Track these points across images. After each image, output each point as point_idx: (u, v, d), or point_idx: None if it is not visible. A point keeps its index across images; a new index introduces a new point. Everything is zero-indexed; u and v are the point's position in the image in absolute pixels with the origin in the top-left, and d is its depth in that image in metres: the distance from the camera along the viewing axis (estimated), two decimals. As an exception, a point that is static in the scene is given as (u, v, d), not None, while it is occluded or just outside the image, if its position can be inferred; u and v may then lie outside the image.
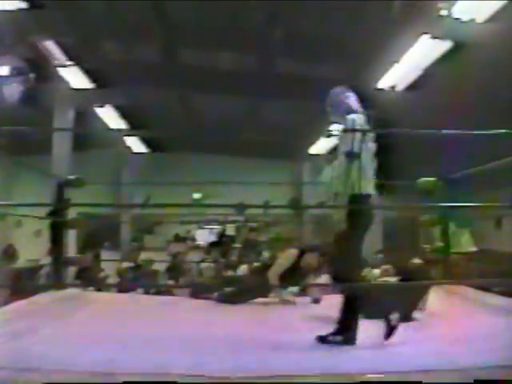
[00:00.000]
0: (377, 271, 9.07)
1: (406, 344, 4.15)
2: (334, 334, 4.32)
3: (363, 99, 4.95)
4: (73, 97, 13.84)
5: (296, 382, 3.47)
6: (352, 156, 4.44)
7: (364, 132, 4.53)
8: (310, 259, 6.81)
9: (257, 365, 3.61)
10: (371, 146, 4.67)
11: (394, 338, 4.25)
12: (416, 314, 5.33)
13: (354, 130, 4.51)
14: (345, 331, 4.31)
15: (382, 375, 3.44)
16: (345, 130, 4.61)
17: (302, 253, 6.84)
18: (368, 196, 4.56)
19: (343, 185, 4.47)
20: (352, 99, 4.90)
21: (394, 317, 4.91)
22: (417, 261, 7.95)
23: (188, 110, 16.35)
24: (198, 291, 7.54)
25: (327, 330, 4.33)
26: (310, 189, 19.26)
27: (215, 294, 6.89)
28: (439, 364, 3.52)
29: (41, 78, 11.26)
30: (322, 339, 4.29)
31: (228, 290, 7.01)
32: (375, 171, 4.69)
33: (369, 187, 4.57)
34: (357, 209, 4.47)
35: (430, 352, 3.79)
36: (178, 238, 19.82)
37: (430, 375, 3.44)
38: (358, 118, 4.62)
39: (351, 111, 4.73)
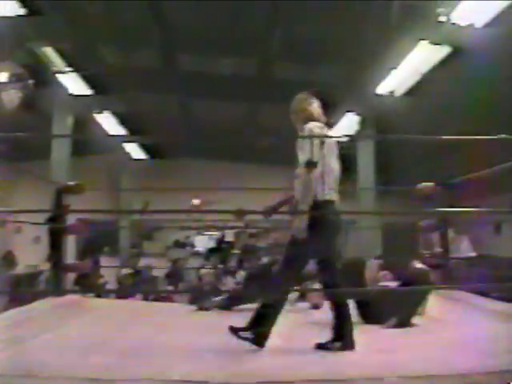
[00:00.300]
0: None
1: (406, 349, 4.15)
2: (332, 341, 4.32)
3: (329, 106, 4.96)
4: (72, 103, 13.84)
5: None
6: (310, 165, 4.45)
7: (323, 140, 4.54)
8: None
9: (259, 371, 3.61)
10: (333, 153, 4.68)
11: (394, 343, 4.25)
12: (415, 320, 5.32)
13: (313, 138, 4.54)
14: (342, 338, 4.31)
15: (382, 380, 3.44)
16: (303, 138, 4.62)
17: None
18: (329, 202, 4.54)
19: (303, 193, 4.49)
20: (314, 106, 4.89)
21: (392, 322, 4.93)
22: (416, 266, 7.94)
23: (187, 116, 16.35)
24: (197, 298, 7.54)
25: (326, 335, 4.32)
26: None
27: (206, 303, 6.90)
28: (438, 369, 3.51)
29: (40, 84, 11.26)
30: (321, 346, 4.29)
31: (218, 298, 7.02)
32: (339, 177, 4.72)
33: (329, 194, 4.55)
34: (317, 216, 4.47)
35: (429, 357, 3.79)
36: (179, 244, 19.79)
37: (429, 380, 3.43)
38: (316, 127, 4.63)
39: (312, 119, 4.74)
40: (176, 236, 20.32)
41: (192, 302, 7.48)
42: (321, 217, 4.49)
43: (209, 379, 3.41)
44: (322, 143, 4.53)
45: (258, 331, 4.32)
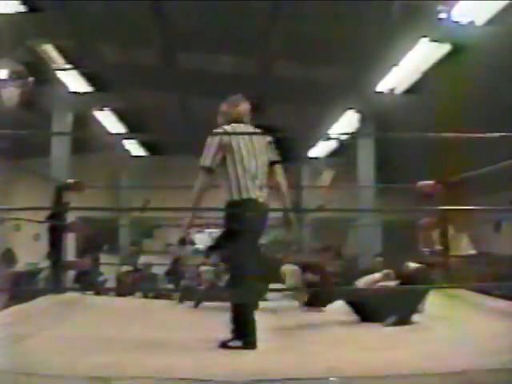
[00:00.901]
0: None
1: (405, 346, 4.15)
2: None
3: (260, 108, 5.02)
4: (71, 100, 13.83)
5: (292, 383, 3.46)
6: (204, 169, 4.69)
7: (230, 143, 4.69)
8: (311, 276, 6.77)
9: (260, 368, 3.60)
10: (253, 153, 4.75)
11: (394, 341, 4.24)
12: (415, 317, 5.32)
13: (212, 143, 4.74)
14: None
15: (382, 378, 3.44)
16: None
17: (303, 269, 6.79)
18: (247, 201, 4.60)
19: (191, 195, 4.72)
20: (239, 108, 5.01)
21: (391, 320, 4.93)
22: (415, 264, 7.93)
23: (187, 113, 16.34)
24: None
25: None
26: (310, 192, 19.26)
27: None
28: (438, 367, 3.51)
29: (39, 81, 11.26)
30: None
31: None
32: (261, 175, 4.79)
33: (246, 194, 4.61)
34: (231, 215, 4.64)
35: (429, 354, 3.78)
36: (183, 242, 19.75)
37: (428, 378, 3.43)
38: (228, 130, 4.76)
39: (235, 121, 4.89)
40: (176, 234, 20.32)
41: (180, 300, 7.34)
42: (236, 216, 4.60)
43: (209, 377, 3.41)
44: (225, 146, 4.66)
45: (244, 336, 4.32)
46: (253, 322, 4.36)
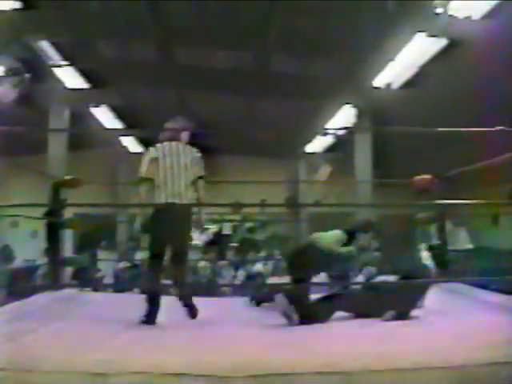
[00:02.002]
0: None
1: (404, 341, 4.16)
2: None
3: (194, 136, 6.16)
4: (68, 97, 13.81)
5: (293, 379, 3.47)
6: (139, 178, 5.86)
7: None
8: None
9: (261, 363, 3.61)
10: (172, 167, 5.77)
11: (393, 335, 4.25)
12: (414, 312, 5.33)
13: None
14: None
15: (380, 372, 3.45)
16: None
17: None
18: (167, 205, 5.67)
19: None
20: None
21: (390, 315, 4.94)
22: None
23: (184, 109, 16.33)
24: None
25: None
26: (307, 187, 19.27)
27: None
28: (437, 361, 3.52)
29: (36, 78, 11.24)
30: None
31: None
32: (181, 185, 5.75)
33: (164, 199, 5.68)
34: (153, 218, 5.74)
35: (428, 348, 3.79)
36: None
37: (427, 372, 3.44)
38: (153, 149, 5.89)
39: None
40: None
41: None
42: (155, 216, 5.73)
43: (209, 372, 3.42)
44: (155, 160, 5.80)
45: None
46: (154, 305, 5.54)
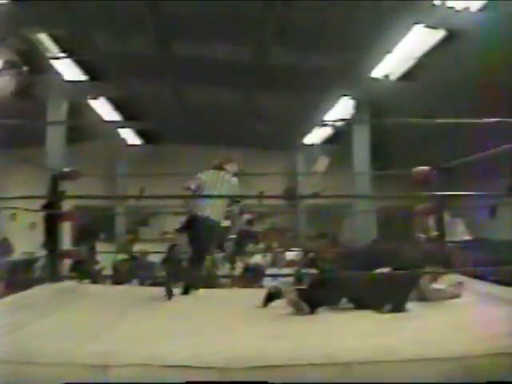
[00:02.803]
0: None
1: (401, 333, 4.17)
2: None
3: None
4: (66, 89, 13.80)
5: (293, 370, 3.48)
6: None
7: None
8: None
9: (260, 355, 3.62)
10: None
11: (390, 328, 4.26)
12: (412, 304, 5.33)
13: None
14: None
15: (379, 364, 3.45)
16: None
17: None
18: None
19: None
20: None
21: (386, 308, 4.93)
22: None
23: (183, 101, 16.31)
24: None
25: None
26: (305, 179, 19.29)
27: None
28: (437, 352, 3.53)
29: (34, 70, 11.23)
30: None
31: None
32: None
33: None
34: None
35: (426, 340, 3.80)
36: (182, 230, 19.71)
37: (426, 363, 3.45)
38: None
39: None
40: (171, 222, 20.31)
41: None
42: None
43: (208, 364, 3.42)
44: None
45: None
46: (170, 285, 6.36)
